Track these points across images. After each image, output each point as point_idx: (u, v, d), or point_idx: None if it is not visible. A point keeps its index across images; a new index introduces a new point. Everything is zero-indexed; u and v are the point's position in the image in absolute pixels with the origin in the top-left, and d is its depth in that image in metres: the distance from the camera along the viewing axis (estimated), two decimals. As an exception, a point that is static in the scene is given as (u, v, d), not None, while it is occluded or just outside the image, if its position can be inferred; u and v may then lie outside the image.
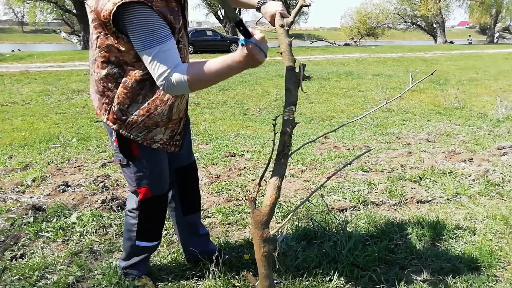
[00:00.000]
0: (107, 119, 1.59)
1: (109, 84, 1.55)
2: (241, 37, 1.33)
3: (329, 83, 9.52)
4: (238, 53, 1.35)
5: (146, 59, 1.40)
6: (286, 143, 1.51)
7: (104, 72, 1.53)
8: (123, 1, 1.34)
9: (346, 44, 31.91)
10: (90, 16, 1.47)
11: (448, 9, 38.16)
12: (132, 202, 1.76)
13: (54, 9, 25.85)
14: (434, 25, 36.71)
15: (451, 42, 33.83)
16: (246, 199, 2.88)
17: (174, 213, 1.98)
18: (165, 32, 1.40)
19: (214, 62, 1.39)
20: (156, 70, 1.39)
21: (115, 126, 1.59)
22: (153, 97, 1.55)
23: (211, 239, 2.27)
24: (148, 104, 1.55)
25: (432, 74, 1.92)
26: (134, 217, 1.76)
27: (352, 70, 12.13)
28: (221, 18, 29.88)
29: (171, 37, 1.41)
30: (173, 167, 1.85)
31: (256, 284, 1.56)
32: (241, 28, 1.31)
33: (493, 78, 10.36)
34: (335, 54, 20.25)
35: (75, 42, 25.17)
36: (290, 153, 1.55)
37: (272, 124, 1.53)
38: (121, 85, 1.53)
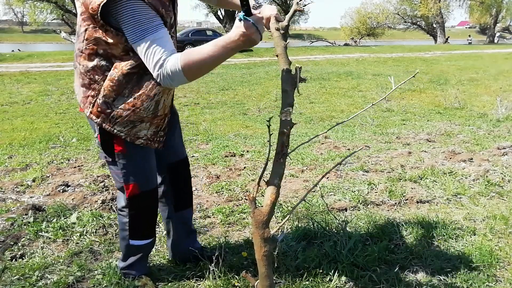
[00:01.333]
0: (91, 112, 1.57)
1: (96, 77, 1.53)
2: (241, 13, 1.33)
3: (329, 83, 9.52)
4: (234, 32, 1.34)
5: (140, 51, 1.40)
6: (285, 143, 1.52)
7: (91, 64, 1.52)
8: None
9: (346, 44, 31.89)
10: (79, 9, 1.47)
11: (448, 9, 38.18)
12: (121, 200, 1.75)
13: (54, 9, 25.85)
14: (434, 25, 36.70)
15: (446, 40, 33.82)
16: (246, 199, 2.88)
17: (166, 209, 1.97)
18: (157, 21, 1.40)
19: (208, 45, 1.37)
20: (151, 60, 1.39)
21: (98, 120, 1.57)
22: (140, 92, 1.54)
23: (211, 239, 2.28)
24: (134, 98, 1.54)
25: (413, 76, 1.94)
26: (125, 216, 1.75)
27: (352, 70, 12.13)
28: (221, 18, 29.88)
29: (163, 27, 1.41)
30: (164, 163, 1.84)
31: (255, 284, 1.56)
32: (245, 3, 1.31)
33: (493, 78, 10.37)
34: (335, 54, 20.26)
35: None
36: (288, 153, 1.56)
37: (267, 125, 1.55)
38: (107, 77, 1.51)
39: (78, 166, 3.72)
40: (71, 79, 10.55)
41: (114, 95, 1.53)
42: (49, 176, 3.43)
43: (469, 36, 40.00)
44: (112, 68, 1.51)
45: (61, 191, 3.08)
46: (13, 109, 6.85)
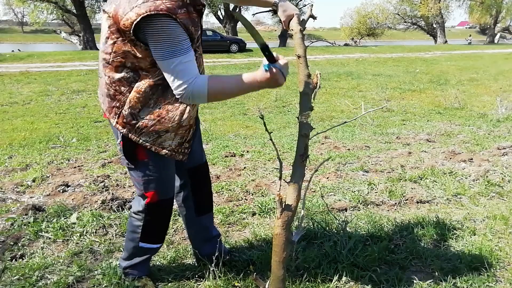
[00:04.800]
0: (117, 122, 1.58)
1: (122, 88, 1.54)
2: (265, 62, 1.41)
3: (329, 83, 9.53)
4: (260, 74, 1.44)
5: (165, 68, 1.43)
6: (307, 145, 1.55)
7: (118, 76, 1.52)
8: (148, 13, 1.34)
9: (346, 44, 31.90)
10: (107, 22, 1.46)
11: (448, 9, 38.12)
12: (138, 205, 1.75)
13: (55, 9, 25.81)
14: (434, 25, 36.67)
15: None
16: (246, 200, 2.88)
17: (186, 214, 1.96)
18: (187, 44, 1.43)
19: (235, 78, 1.48)
20: (177, 80, 1.43)
21: (124, 130, 1.58)
22: (165, 102, 1.55)
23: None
24: (160, 108, 1.55)
25: (382, 107, 2.00)
26: (139, 220, 1.76)
27: (352, 70, 12.14)
28: (221, 18, 29.87)
29: (191, 49, 1.45)
30: (185, 167, 1.84)
31: (267, 286, 1.56)
32: (267, 53, 1.39)
33: (493, 78, 10.37)
34: (335, 54, 20.26)
35: (75, 42, 25.16)
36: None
37: (260, 117, 1.60)
38: (134, 89, 1.52)
39: (78, 166, 3.72)
40: (71, 79, 10.56)
41: (140, 106, 1.54)
42: (49, 176, 3.43)
43: (469, 35, 39.97)
44: (139, 80, 1.51)
45: (61, 191, 3.08)
46: (13, 109, 6.85)
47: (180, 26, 1.40)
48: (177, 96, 1.47)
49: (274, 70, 1.41)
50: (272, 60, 1.40)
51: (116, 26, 1.43)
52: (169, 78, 1.45)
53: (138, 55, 1.46)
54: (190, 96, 1.45)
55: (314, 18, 1.77)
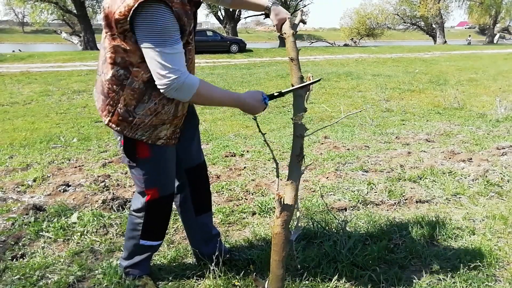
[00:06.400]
0: (110, 121, 1.58)
1: (114, 86, 1.53)
2: (267, 97, 1.63)
3: (328, 84, 9.53)
4: (248, 98, 1.58)
5: (152, 57, 1.40)
6: (302, 146, 1.57)
7: (110, 73, 1.52)
8: None
9: (345, 45, 31.91)
10: (101, 16, 1.47)
11: (447, 10, 38.12)
12: (138, 202, 1.76)
13: (55, 9, 25.81)
14: (434, 26, 36.66)
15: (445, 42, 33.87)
16: (247, 199, 2.89)
17: (186, 215, 1.97)
18: (177, 35, 1.43)
19: (223, 91, 1.58)
20: (163, 69, 1.40)
21: (118, 128, 1.58)
22: (159, 96, 1.54)
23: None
24: (155, 104, 1.55)
25: (361, 111, 2.11)
26: (139, 217, 1.76)
27: (352, 71, 12.15)
28: (221, 18, 29.87)
29: (180, 42, 1.45)
30: (183, 167, 1.85)
31: (266, 286, 1.57)
32: (277, 94, 1.68)
33: (493, 78, 10.38)
34: (334, 54, 20.27)
35: (76, 43, 25.17)
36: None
37: (255, 120, 1.66)
38: (127, 87, 1.52)
39: (79, 166, 3.73)
40: (71, 79, 10.57)
41: (135, 103, 1.54)
42: (49, 176, 3.44)
43: (469, 36, 39.97)
44: (131, 77, 1.51)
45: (62, 191, 3.09)
46: (14, 109, 6.86)
47: (174, 16, 1.40)
48: (160, 87, 1.44)
49: (266, 105, 1.62)
50: (271, 98, 1.65)
51: (107, 20, 1.42)
52: (154, 67, 1.41)
53: (128, 48, 1.44)
54: (179, 87, 1.42)
55: (304, 23, 1.82)
